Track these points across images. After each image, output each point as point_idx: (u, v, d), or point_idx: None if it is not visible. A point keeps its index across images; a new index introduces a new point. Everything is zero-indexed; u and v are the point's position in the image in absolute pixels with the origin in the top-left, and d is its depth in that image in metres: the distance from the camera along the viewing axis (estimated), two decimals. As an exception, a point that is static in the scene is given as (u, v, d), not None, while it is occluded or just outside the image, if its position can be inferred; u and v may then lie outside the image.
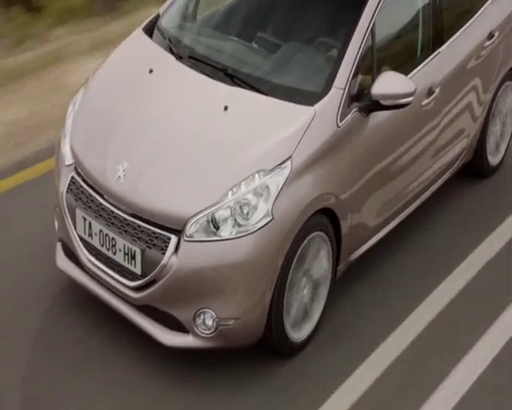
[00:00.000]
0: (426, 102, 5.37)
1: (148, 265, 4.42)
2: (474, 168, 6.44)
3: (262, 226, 4.36)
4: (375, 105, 4.83)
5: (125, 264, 4.52)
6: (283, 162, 4.46)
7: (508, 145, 6.72)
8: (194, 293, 4.39)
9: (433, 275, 5.54)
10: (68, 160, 4.88)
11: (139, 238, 4.46)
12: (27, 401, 4.51)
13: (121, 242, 4.50)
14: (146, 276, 4.45)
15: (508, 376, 4.88)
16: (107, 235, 4.56)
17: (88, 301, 4.99)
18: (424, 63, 5.37)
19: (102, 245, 4.60)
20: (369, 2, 4.92)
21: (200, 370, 4.71)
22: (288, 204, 4.43)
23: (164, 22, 5.41)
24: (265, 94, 4.76)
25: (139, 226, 4.47)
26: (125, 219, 4.51)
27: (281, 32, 5.26)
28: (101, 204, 4.61)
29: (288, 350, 4.79)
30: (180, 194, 4.44)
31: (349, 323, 5.11)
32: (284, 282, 4.52)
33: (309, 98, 4.71)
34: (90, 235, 4.64)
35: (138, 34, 5.41)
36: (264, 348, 4.73)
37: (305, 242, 4.59)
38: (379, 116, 4.94)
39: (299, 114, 4.65)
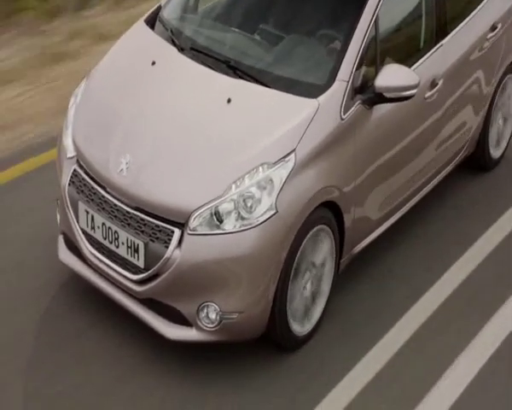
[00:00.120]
0: (429, 94, 5.35)
1: (152, 258, 4.41)
2: (476, 161, 6.43)
3: (266, 220, 4.34)
4: (379, 97, 4.81)
5: (128, 257, 4.50)
6: (287, 155, 4.44)
7: (510, 138, 6.71)
8: (198, 286, 4.38)
9: (435, 268, 5.54)
10: (70, 152, 4.85)
11: (142, 231, 4.44)
12: (28, 395, 4.49)
13: (124, 235, 4.48)
14: (149, 269, 4.43)
15: (508, 369, 4.88)
16: (109, 228, 4.54)
17: (90, 294, 4.97)
18: (427, 55, 5.35)
19: (105, 238, 4.58)
20: None
21: (202, 363, 4.70)
22: (292, 197, 4.41)
23: (166, 13, 5.38)
24: (268, 86, 4.74)
25: (142, 219, 4.45)
26: (128, 213, 4.49)
27: (283, 23, 5.24)
28: (103, 197, 4.59)
29: (292, 344, 4.78)
30: (183, 187, 4.42)
31: (351, 316, 5.11)
32: (288, 275, 4.50)
33: (312, 91, 4.69)
34: (93, 228, 4.62)
35: (140, 26, 5.38)
36: (266, 341, 4.72)
37: (309, 235, 4.58)
38: (382, 109, 4.92)
39: (303, 106, 4.63)
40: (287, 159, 4.44)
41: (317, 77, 4.78)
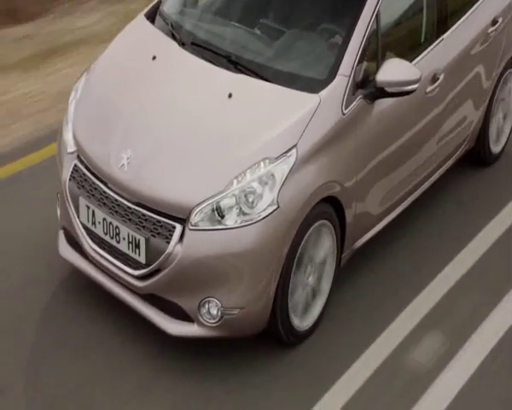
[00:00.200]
0: (430, 88, 5.34)
1: (153, 254, 4.39)
2: (476, 156, 6.43)
3: (267, 215, 4.33)
4: (380, 92, 4.80)
5: (129, 253, 4.49)
6: (289, 150, 4.43)
7: (510, 133, 6.71)
8: (199, 282, 4.37)
9: (435, 262, 5.54)
10: (71, 147, 4.84)
11: (143, 227, 4.42)
12: (28, 389, 4.49)
13: (125, 230, 4.47)
14: (150, 265, 4.42)
15: (510, 362, 4.89)
16: (110, 223, 4.53)
17: (90, 289, 4.96)
18: (428, 50, 5.34)
19: (106, 234, 4.56)
20: None
21: (203, 359, 4.70)
22: (294, 192, 4.40)
23: (166, 8, 5.35)
24: (270, 81, 4.72)
25: (143, 215, 4.44)
26: (129, 208, 4.48)
27: (284, 18, 5.21)
28: (104, 192, 4.57)
29: (293, 339, 4.77)
30: (185, 182, 4.41)
31: (353, 310, 5.11)
32: (289, 271, 4.50)
33: (314, 86, 4.67)
34: (94, 223, 4.61)
35: (140, 20, 5.36)
36: (267, 337, 4.71)
37: (310, 230, 4.57)
38: (383, 103, 4.91)
39: (305, 101, 4.61)
40: (288, 154, 4.43)
41: (318, 72, 4.77)
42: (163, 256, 4.35)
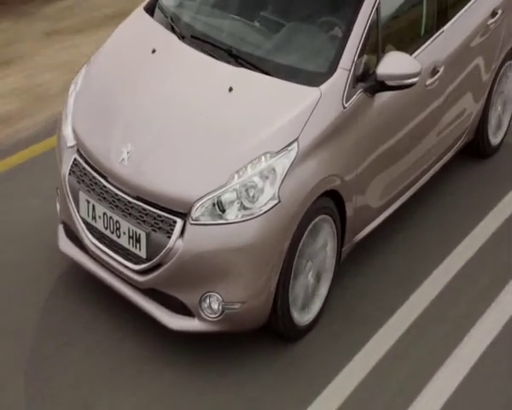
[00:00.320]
0: (430, 81, 5.33)
1: (154, 248, 4.38)
2: (476, 148, 6.43)
3: (268, 209, 4.32)
4: (381, 85, 4.79)
5: (130, 247, 4.47)
6: (290, 144, 4.42)
7: (508, 125, 6.71)
8: (200, 277, 4.36)
9: (434, 255, 5.54)
10: (70, 141, 4.81)
11: (144, 221, 4.41)
12: (29, 387, 4.48)
13: (126, 225, 4.45)
14: (151, 259, 4.40)
15: (508, 355, 4.89)
16: (111, 218, 4.51)
17: (90, 284, 4.95)
18: (428, 42, 5.33)
19: (106, 228, 4.55)
20: None
21: (204, 353, 4.69)
22: (295, 187, 4.39)
23: (165, 0, 5.32)
24: (270, 75, 4.70)
25: (144, 209, 4.42)
26: (130, 202, 4.46)
27: (284, 11, 5.18)
28: (104, 187, 4.56)
29: (294, 334, 4.77)
30: (185, 177, 4.39)
31: (353, 305, 5.11)
32: (290, 265, 4.49)
33: (314, 79, 4.65)
34: (94, 218, 4.59)
35: (139, 13, 5.33)
36: (268, 331, 4.71)
37: (311, 224, 4.56)
38: (384, 96, 4.90)
39: (305, 95, 4.60)
40: (289, 148, 4.41)
41: (318, 65, 4.75)
42: (164, 251, 4.34)
